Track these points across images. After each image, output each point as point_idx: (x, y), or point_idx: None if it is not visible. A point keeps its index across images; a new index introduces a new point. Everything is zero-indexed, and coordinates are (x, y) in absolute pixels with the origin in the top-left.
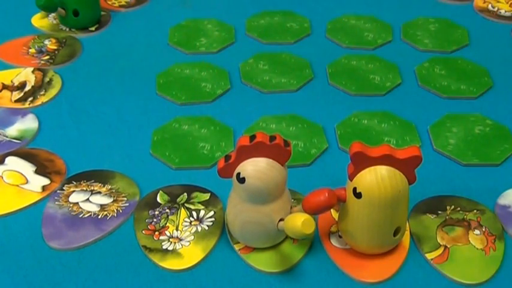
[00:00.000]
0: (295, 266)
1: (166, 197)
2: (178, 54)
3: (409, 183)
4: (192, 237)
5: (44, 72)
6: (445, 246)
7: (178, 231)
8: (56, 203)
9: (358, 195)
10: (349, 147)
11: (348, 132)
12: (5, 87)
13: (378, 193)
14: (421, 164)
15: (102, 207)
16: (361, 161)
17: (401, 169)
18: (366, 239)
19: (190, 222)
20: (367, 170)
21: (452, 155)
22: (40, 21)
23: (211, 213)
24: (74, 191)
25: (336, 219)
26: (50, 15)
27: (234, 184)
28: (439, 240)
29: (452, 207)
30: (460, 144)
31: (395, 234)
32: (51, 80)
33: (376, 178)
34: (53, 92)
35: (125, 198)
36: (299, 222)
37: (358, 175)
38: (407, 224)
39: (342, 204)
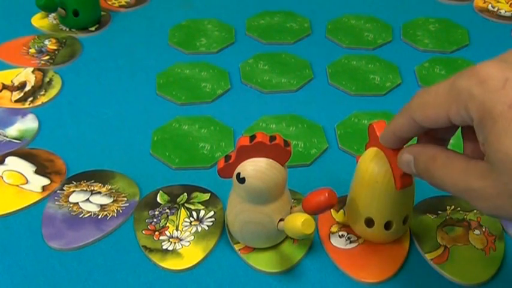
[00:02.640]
0: (295, 266)
1: (166, 197)
2: (178, 54)
3: None
4: (192, 237)
5: (44, 72)
6: (445, 246)
7: (179, 231)
8: (56, 203)
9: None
10: (370, 124)
11: (348, 132)
12: (5, 87)
13: (392, 182)
14: None
15: (102, 207)
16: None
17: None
18: (378, 229)
19: (190, 222)
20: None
21: None
22: (40, 21)
23: (211, 213)
24: (74, 191)
25: (336, 219)
26: (50, 15)
27: (234, 184)
28: (439, 240)
29: (452, 207)
30: (460, 144)
31: (404, 222)
32: (51, 80)
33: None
34: (53, 92)
35: (125, 198)
36: (299, 222)
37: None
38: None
39: (348, 199)
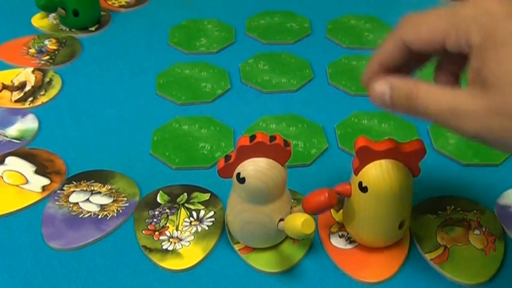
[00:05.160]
0: (295, 266)
1: (166, 197)
2: (178, 54)
3: (414, 176)
4: (192, 237)
5: (44, 72)
6: (445, 246)
7: (178, 231)
8: (56, 203)
9: (364, 189)
10: (353, 142)
11: (348, 132)
12: (5, 87)
13: (383, 186)
14: (424, 158)
15: (102, 207)
16: (367, 156)
17: (406, 162)
18: (372, 233)
19: (190, 222)
20: (372, 164)
21: (452, 155)
22: (40, 21)
23: (211, 213)
24: (74, 191)
25: (336, 219)
26: (50, 15)
27: (234, 184)
28: (439, 240)
29: (452, 207)
30: (460, 144)
31: (400, 227)
32: (51, 80)
33: (381, 172)
34: (53, 92)
35: (125, 198)
36: (299, 222)
37: (363, 169)
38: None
39: (346, 199)
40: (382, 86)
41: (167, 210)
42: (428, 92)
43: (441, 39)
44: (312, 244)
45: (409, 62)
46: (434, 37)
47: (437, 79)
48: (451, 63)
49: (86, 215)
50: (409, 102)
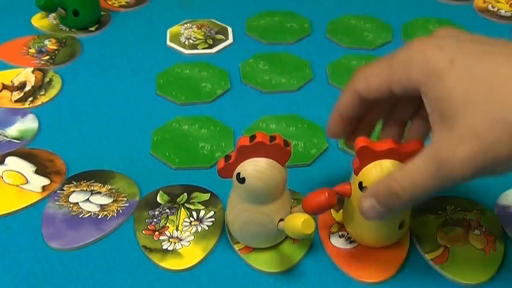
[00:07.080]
0: (295, 266)
1: (166, 197)
2: (178, 54)
3: None
4: (192, 237)
5: (44, 72)
6: (445, 247)
7: (178, 231)
8: (56, 203)
9: (364, 189)
10: (354, 143)
11: None
12: (5, 87)
13: None
14: None
15: (102, 207)
16: (367, 156)
17: (406, 162)
18: (372, 233)
19: (190, 222)
20: (372, 164)
21: None
22: (40, 21)
23: (211, 213)
24: (74, 191)
25: (336, 219)
26: (50, 15)
27: (234, 184)
28: (439, 240)
29: (452, 207)
30: None
31: (400, 227)
32: (51, 80)
33: (382, 172)
34: (53, 92)
35: (125, 198)
36: (299, 222)
37: (363, 169)
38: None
39: (346, 199)
40: (367, 200)
41: (167, 210)
42: (402, 179)
43: (387, 84)
44: (312, 244)
45: (369, 114)
46: (381, 84)
47: (382, 136)
48: (402, 108)
49: (86, 215)
50: (397, 197)
